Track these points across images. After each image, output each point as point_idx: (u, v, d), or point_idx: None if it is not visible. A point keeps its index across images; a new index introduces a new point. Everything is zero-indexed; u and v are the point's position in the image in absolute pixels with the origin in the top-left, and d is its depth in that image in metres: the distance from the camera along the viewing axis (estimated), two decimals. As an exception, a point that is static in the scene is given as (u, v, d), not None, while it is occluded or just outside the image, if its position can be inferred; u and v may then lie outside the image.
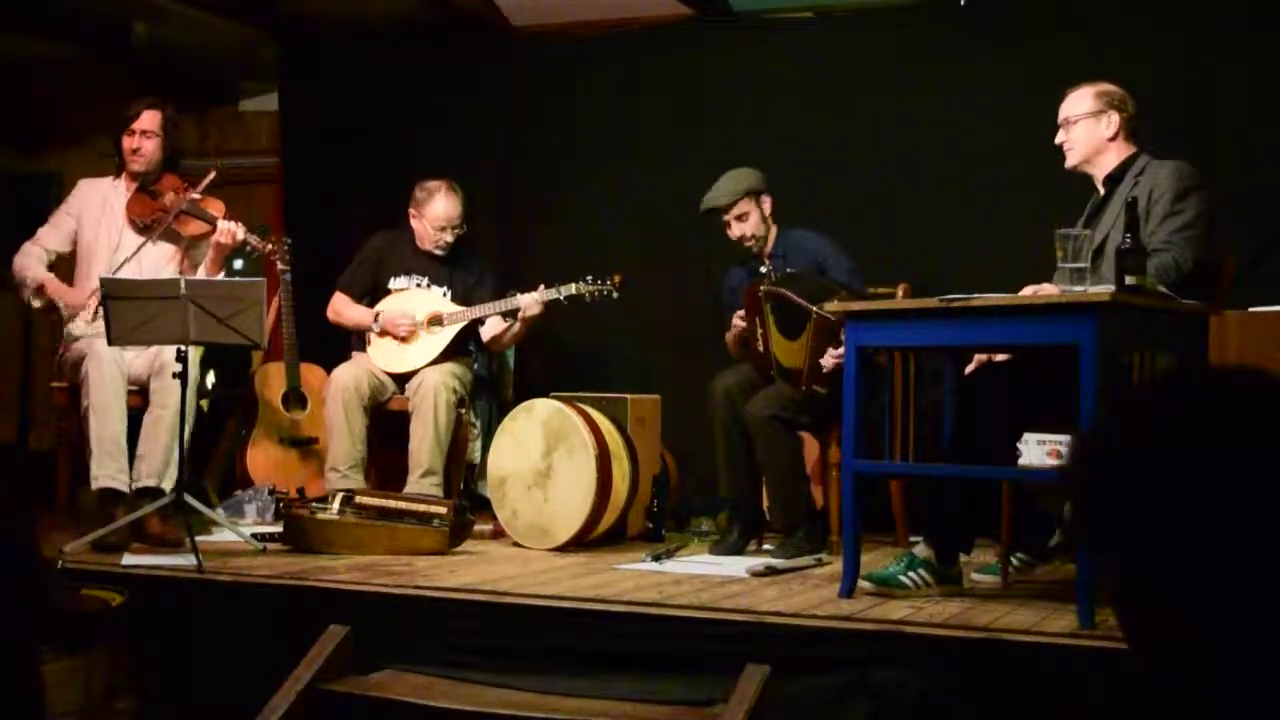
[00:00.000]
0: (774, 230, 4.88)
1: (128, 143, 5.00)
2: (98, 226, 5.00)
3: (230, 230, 4.88)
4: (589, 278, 5.14)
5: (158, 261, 5.00)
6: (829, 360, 4.37)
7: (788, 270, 4.66)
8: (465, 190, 5.37)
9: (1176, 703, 0.98)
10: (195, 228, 5.00)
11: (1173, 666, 0.98)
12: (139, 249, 4.91)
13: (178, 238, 5.04)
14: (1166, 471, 0.97)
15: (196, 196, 4.99)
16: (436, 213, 5.27)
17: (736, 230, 4.82)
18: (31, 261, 5.01)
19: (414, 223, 5.35)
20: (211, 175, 5.03)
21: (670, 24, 6.05)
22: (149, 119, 5.01)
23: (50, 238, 5.05)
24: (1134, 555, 0.99)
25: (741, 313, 4.74)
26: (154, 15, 6.00)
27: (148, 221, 4.97)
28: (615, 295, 5.15)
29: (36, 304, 5.03)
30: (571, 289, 5.14)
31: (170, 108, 5.08)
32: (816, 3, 5.85)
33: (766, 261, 4.78)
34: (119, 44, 6.03)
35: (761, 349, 4.59)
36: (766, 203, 4.84)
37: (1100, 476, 1.01)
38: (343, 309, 5.42)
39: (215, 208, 5.02)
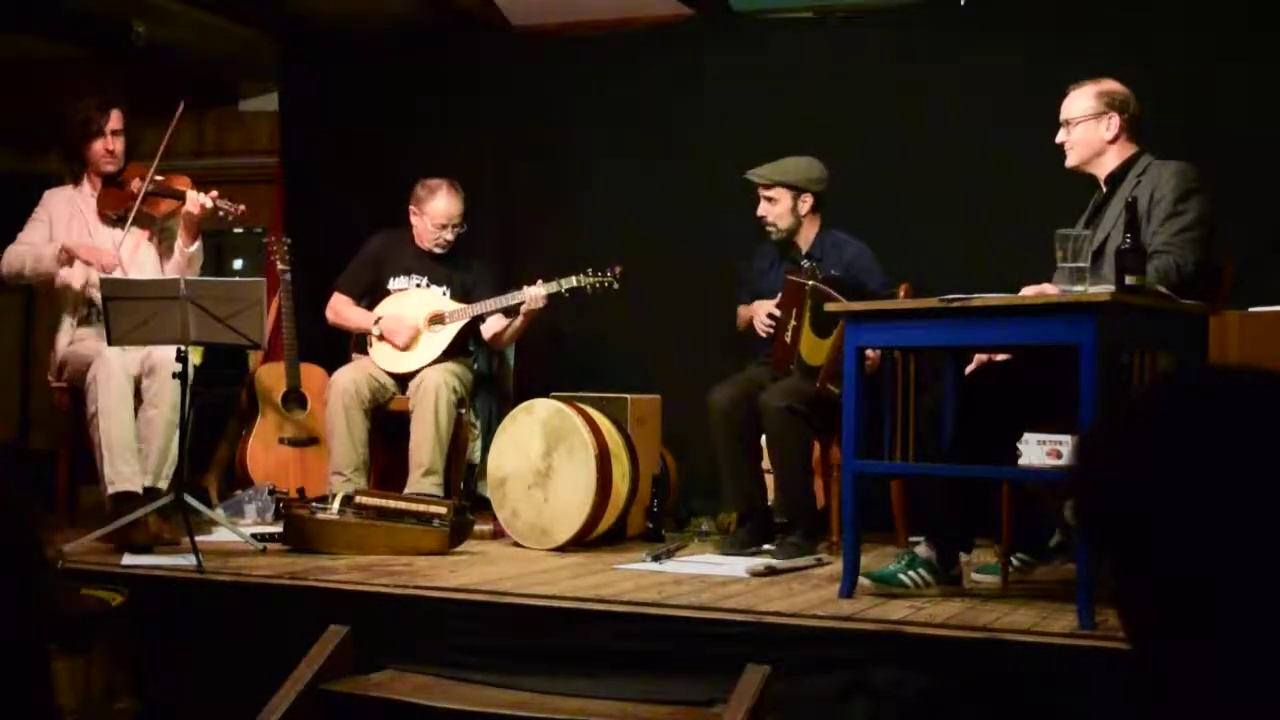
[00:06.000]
0: (815, 229, 4.89)
1: (101, 145, 4.94)
2: (68, 233, 4.96)
3: (198, 200, 4.86)
4: (590, 270, 5.15)
5: (135, 248, 4.98)
6: None
7: (832, 272, 4.66)
8: (466, 190, 5.37)
9: (1177, 703, 0.98)
10: (166, 206, 4.99)
11: (1174, 666, 0.98)
12: (120, 242, 4.89)
13: (151, 220, 5.03)
14: (1167, 471, 0.97)
15: (160, 178, 4.97)
16: (438, 209, 5.27)
17: (762, 209, 4.87)
18: (26, 247, 4.92)
19: (414, 220, 5.35)
20: (180, 108, 4.91)
21: (670, 24, 6.05)
22: (118, 118, 4.97)
23: (33, 236, 5.00)
24: (1134, 555, 0.99)
25: (770, 303, 4.74)
26: (154, 15, 5.99)
27: (120, 213, 4.96)
28: (616, 286, 5.16)
29: (61, 270, 4.85)
30: (573, 281, 5.15)
31: (123, 100, 5.02)
32: (816, 3, 5.86)
33: (806, 259, 4.80)
34: (119, 44, 6.03)
35: (789, 340, 4.59)
36: (805, 201, 4.84)
37: (1100, 476, 1.02)
38: (343, 310, 5.42)
39: (181, 183, 5.00)
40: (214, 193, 4.91)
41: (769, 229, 4.87)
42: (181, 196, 4.91)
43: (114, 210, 4.97)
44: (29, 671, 1.05)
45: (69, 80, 6.34)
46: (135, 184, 4.95)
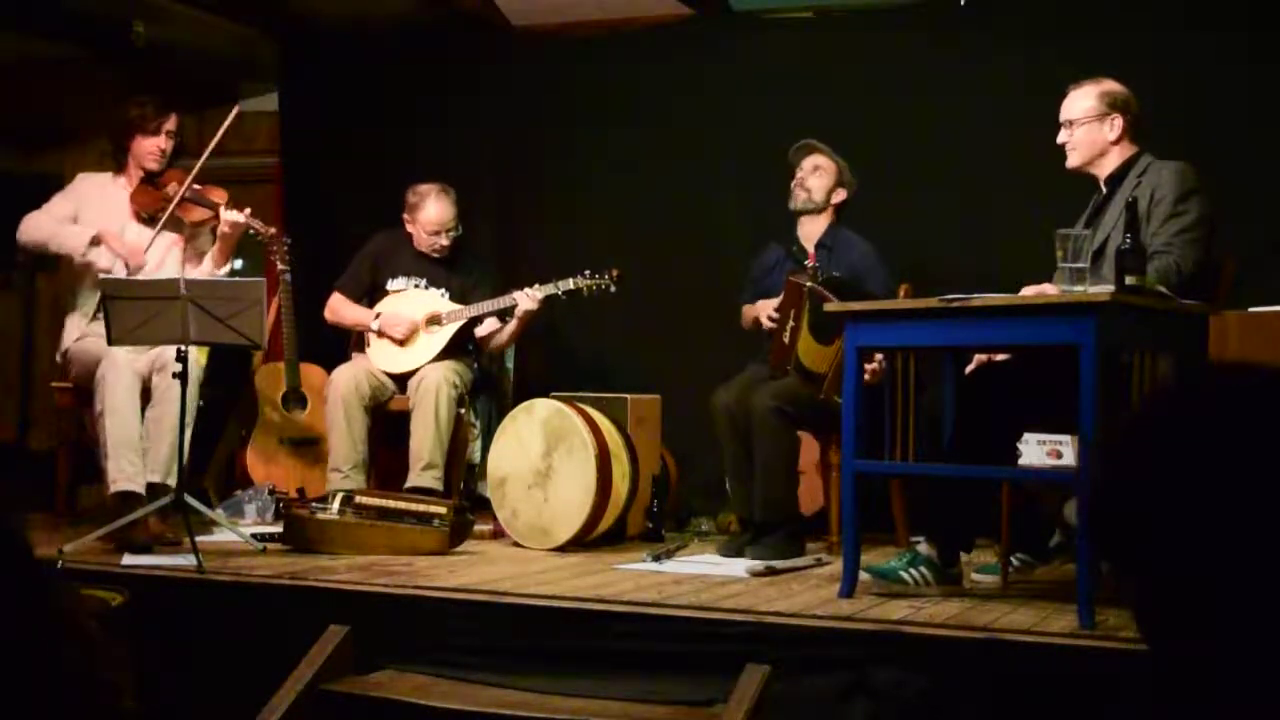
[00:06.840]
0: (829, 221, 4.93)
1: (154, 143, 4.98)
2: (95, 221, 4.98)
3: (232, 219, 4.91)
4: (587, 272, 5.15)
5: (160, 250, 4.99)
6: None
7: (834, 274, 4.66)
8: (464, 191, 5.37)
9: (1177, 703, 0.98)
10: (198, 214, 5.03)
11: (1174, 666, 0.98)
12: (151, 242, 4.92)
13: (181, 225, 5.05)
14: (1167, 471, 0.97)
15: (198, 186, 5.00)
16: (429, 217, 5.28)
17: (801, 175, 4.92)
18: (50, 219, 4.88)
19: (409, 227, 5.36)
20: (236, 110, 5.00)
21: (670, 24, 6.05)
22: (175, 121, 5.06)
23: (57, 210, 4.97)
24: (1135, 555, 0.99)
25: (773, 302, 4.75)
26: (154, 15, 6.00)
27: (152, 212, 4.99)
28: (613, 289, 5.16)
29: (90, 258, 4.84)
30: (570, 284, 5.15)
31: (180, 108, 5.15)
32: (816, 3, 5.85)
33: (810, 253, 4.84)
34: (119, 44, 6.03)
35: (786, 341, 4.59)
36: (841, 194, 4.93)
37: (1102, 477, 1.02)
38: (341, 309, 5.43)
39: (217, 195, 5.03)
40: (248, 210, 4.96)
41: (800, 193, 4.90)
42: (215, 208, 4.94)
43: (146, 209, 5.00)
44: (36, 673, 1.05)
45: (69, 80, 6.35)
46: (172, 187, 5.00)
